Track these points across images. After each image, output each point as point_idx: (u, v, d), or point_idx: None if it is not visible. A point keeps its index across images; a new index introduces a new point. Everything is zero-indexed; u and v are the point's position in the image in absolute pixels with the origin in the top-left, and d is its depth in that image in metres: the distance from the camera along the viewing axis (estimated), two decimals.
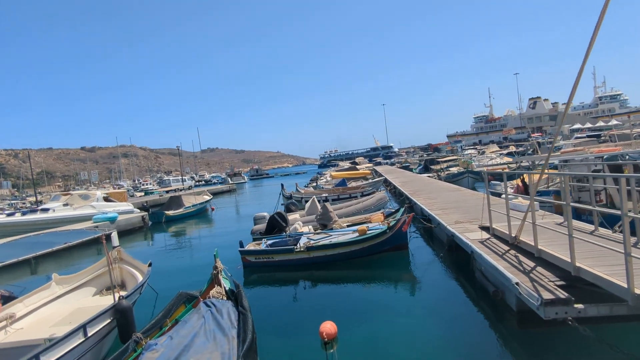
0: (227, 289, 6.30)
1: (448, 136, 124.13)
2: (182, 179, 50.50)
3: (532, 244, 6.50)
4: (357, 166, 44.96)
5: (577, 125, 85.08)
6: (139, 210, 26.12)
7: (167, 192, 46.73)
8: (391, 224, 10.31)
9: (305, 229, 12.72)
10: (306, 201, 21.04)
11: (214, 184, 69.80)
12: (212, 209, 28.05)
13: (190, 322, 5.49)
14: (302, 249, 10.13)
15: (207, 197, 28.51)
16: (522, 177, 14.25)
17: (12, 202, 59.90)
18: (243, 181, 75.76)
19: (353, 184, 27.25)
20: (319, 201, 21.46)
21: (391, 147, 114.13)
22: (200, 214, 26.72)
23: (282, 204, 21.41)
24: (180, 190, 46.85)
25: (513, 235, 7.24)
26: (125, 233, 20.96)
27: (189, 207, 25.73)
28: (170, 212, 24.27)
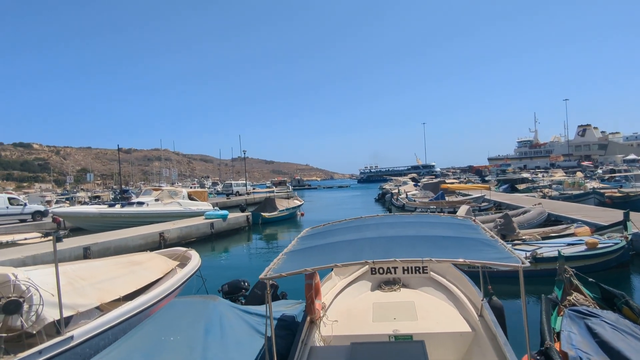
0: (590, 295, 5.44)
1: (489, 159, 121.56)
2: (245, 183, 50.63)
3: None
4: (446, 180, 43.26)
5: (632, 156, 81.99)
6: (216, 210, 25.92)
7: (227, 195, 46.68)
8: (629, 238, 9.29)
9: None
10: (423, 210, 20.18)
11: (257, 192, 69.86)
12: (302, 214, 27.45)
13: (603, 335, 4.59)
14: (529, 260, 9.17)
15: (297, 202, 27.98)
16: None
17: (68, 196, 60.99)
18: (288, 191, 75.45)
19: (447, 198, 26.18)
20: (433, 212, 20.67)
21: (433, 166, 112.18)
22: (291, 218, 26.14)
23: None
24: (241, 194, 46.82)
25: None
26: (233, 232, 20.56)
27: (283, 210, 25.21)
28: (266, 214, 23.78)
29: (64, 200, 50.18)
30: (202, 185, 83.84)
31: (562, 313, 5.27)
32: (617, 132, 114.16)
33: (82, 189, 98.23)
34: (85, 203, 40.79)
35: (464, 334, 4.99)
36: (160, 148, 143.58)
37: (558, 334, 4.92)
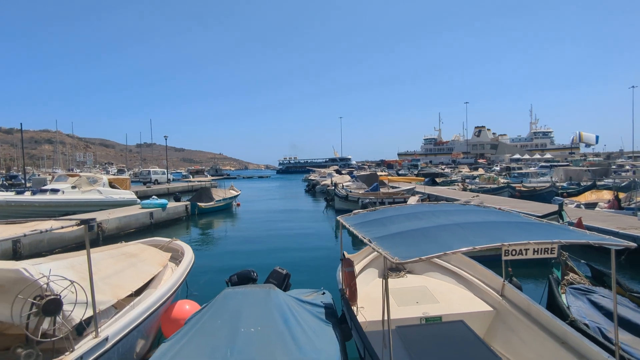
0: (583, 275, 6.24)
1: (399, 154, 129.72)
2: (167, 171, 47.19)
3: None
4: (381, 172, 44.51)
5: (517, 156, 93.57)
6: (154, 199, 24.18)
7: (145, 184, 43.34)
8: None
9: None
10: (367, 202, 21.00)
11: (195, 181, 66.08)
12: (238, 205, 26.65)
13: (606, 307, 5.33)
14: None
15: (234, 192, 27.01)
16: (615, 194, 15.52)
17: None
18: (206, 179, 72.44)
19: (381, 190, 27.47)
20: (374, 202, 21.60)
21: (349, 159, 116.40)
22: (228, 209, 25.28)
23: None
24: (160, 182, 43.88)
25: None
26: (172, 222, 19.31)
27: (220, 200, 24.24)
28: (202, 205, 22.71)
29: None
30: (107, 173, 76.57)
31: (563, 290, 6.01)
32: (504, 134, 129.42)
33: None
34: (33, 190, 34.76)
35: (487, 312, 5.43)
36: (53, 130, 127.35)
37: (567, 308, 5.60)
